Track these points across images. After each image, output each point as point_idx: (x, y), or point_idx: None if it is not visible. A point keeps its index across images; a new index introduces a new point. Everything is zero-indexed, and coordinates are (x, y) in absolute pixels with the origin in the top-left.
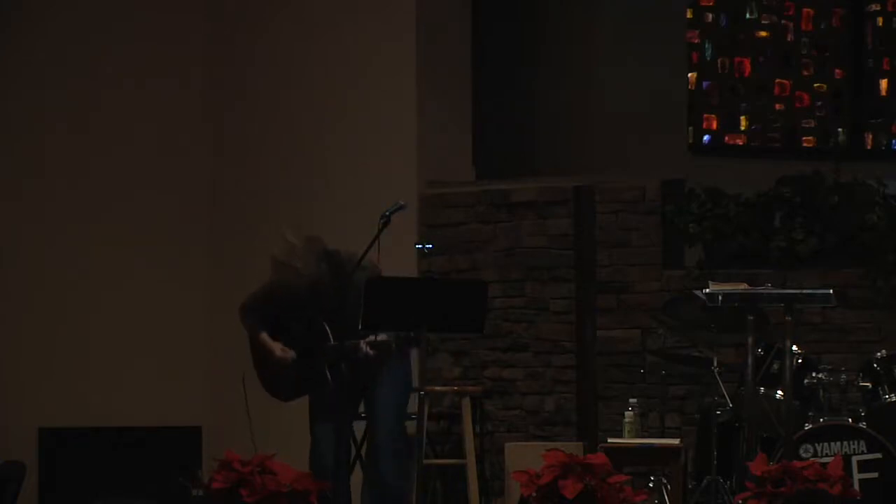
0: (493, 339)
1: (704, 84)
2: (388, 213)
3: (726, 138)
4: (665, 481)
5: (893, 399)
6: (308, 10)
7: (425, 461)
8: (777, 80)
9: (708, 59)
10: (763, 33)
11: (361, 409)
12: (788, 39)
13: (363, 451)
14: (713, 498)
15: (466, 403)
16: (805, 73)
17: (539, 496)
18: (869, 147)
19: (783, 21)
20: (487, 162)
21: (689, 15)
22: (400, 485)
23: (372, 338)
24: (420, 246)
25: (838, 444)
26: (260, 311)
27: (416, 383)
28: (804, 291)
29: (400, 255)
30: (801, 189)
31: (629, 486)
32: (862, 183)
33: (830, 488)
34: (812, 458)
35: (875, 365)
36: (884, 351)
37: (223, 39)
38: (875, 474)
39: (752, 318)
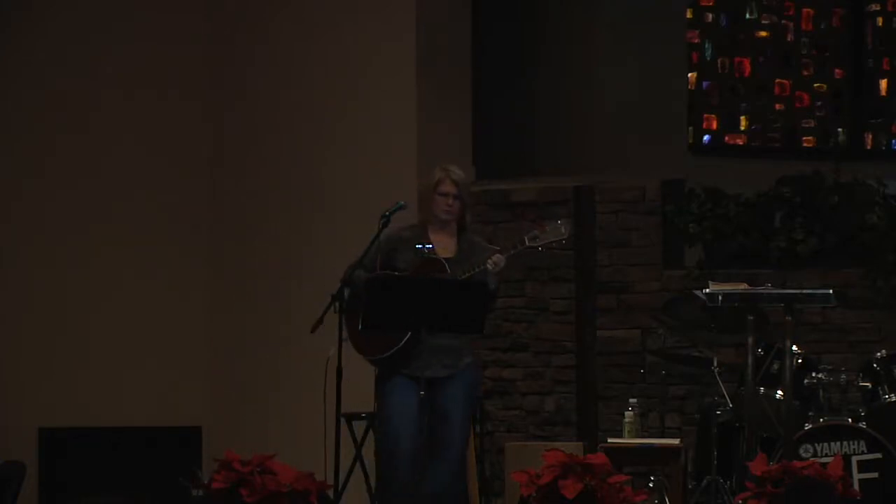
0: (493, 339)
1: (704, 84)
2: (388, 214)
3: (726, 138)
4: (665, 481)
5: (893, 399)
6: (308, 10)
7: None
8: (777, 80)
9: (708, 59)
10: (763, 33)
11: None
12: (788, 39)
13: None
14: (713, 498)
15: None
16: (805, 73)
17: (539, 496)
18: (869, 147)
19: (783, 21)
20: (487, 162)
21: (689, 15)
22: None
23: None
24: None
25: (838, 444)
26: (364, 264)
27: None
28: (804, 291)
29: None
30: (801, 189)
31: (629, 486)
32: (862, 183)
33: None
34: (812, 458)
35: (875, 365)
36: (884, 351)
37: (223, 39)
38: (875, 474)
39: (752, 318)
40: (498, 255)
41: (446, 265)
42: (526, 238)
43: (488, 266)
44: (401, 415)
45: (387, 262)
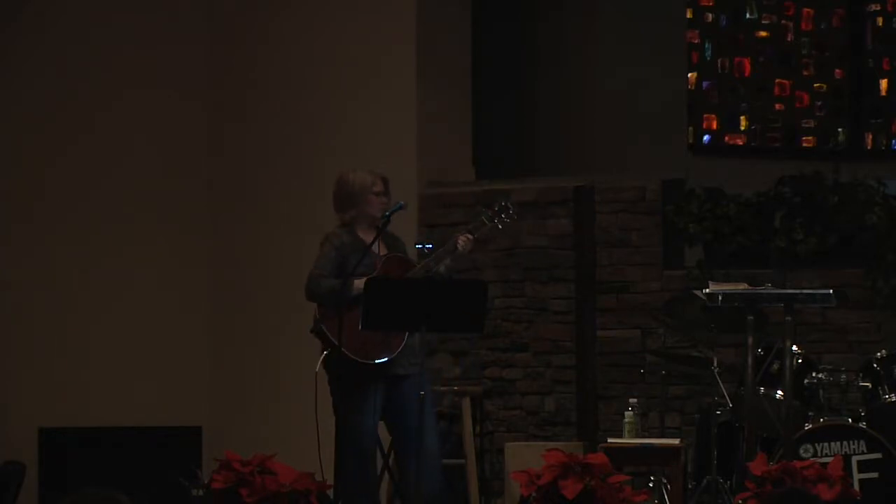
0: (493, 339)
1: (704, 84)
2: (388, 214)
3: (726, 138)
4: (665, 481)
5: (893, 399)
6: (309, 11)
7: None
8: (777, 80)
9: (708, 59)
10: (763, 33)
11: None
12: (788, 39)
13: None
14: (713, 498)
15: (466, 403)
16: (805, 73)
17: (539, 496)
18: (869, 147)
19: (783, 21)
20: (487, 162)
21: (689, 15)
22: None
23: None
24: (420, 246)
25: (838, 444)
26: (329, 270)
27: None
28: (804, 291)
29: None
30: (801, 189)
31: (629, 486)
32: (862, 183)
33: (830, 488)
34: (812, 458)
35: (875, 365)
36: (884, 351)
37: (223, 40)
38: (875, 474)
39: (752, 318)
40: (465, 236)
41: (412, 260)
42: (483, 217)
43: (458, 248)
44: (374, 415)
45: (341, 270)
